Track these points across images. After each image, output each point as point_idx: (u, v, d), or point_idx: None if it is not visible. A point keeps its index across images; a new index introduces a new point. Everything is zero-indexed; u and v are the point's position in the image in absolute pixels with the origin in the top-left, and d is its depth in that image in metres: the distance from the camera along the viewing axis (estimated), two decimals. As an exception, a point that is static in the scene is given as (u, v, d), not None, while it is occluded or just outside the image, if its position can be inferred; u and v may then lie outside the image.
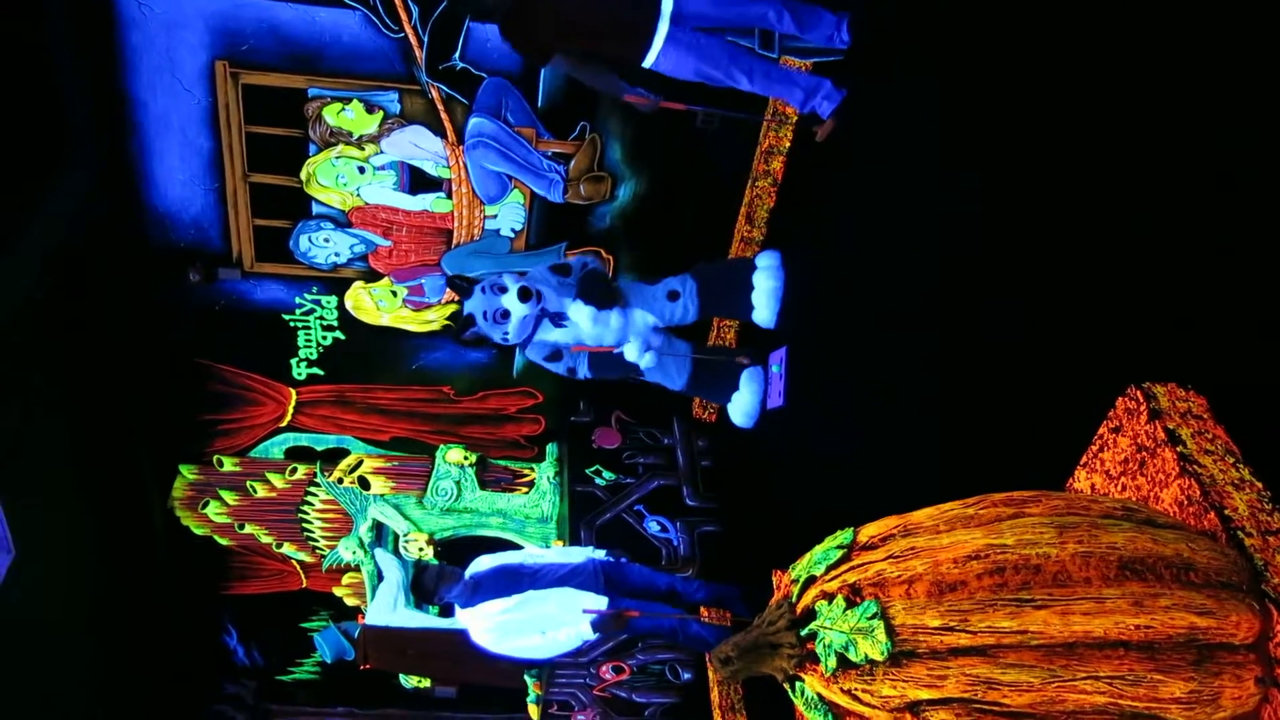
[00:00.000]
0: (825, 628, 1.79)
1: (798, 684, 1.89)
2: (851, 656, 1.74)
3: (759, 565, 5.07)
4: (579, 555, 4.93)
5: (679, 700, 6.07)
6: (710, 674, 5.74)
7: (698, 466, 6.22)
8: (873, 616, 1.72)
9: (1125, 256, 2.54)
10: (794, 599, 1.94)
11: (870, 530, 1.90)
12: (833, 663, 1.76)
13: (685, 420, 6.48)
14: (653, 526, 5.95)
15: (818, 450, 4.76)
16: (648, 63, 3.98)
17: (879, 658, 1.71)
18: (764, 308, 4.88)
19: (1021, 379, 3.01)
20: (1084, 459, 2.40)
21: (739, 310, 4.99)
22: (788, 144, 5.09)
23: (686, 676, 6.00)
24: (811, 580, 1.91)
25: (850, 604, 1.78)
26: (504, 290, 4.64)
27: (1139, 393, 2.23)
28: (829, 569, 1.89)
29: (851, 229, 4.48)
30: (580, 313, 4.68)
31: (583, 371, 4.92)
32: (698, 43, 3.95)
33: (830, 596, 1.82)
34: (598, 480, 6.11)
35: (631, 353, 4.75)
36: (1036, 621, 1.62)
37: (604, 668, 6.06)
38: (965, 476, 3.30)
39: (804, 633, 1.85)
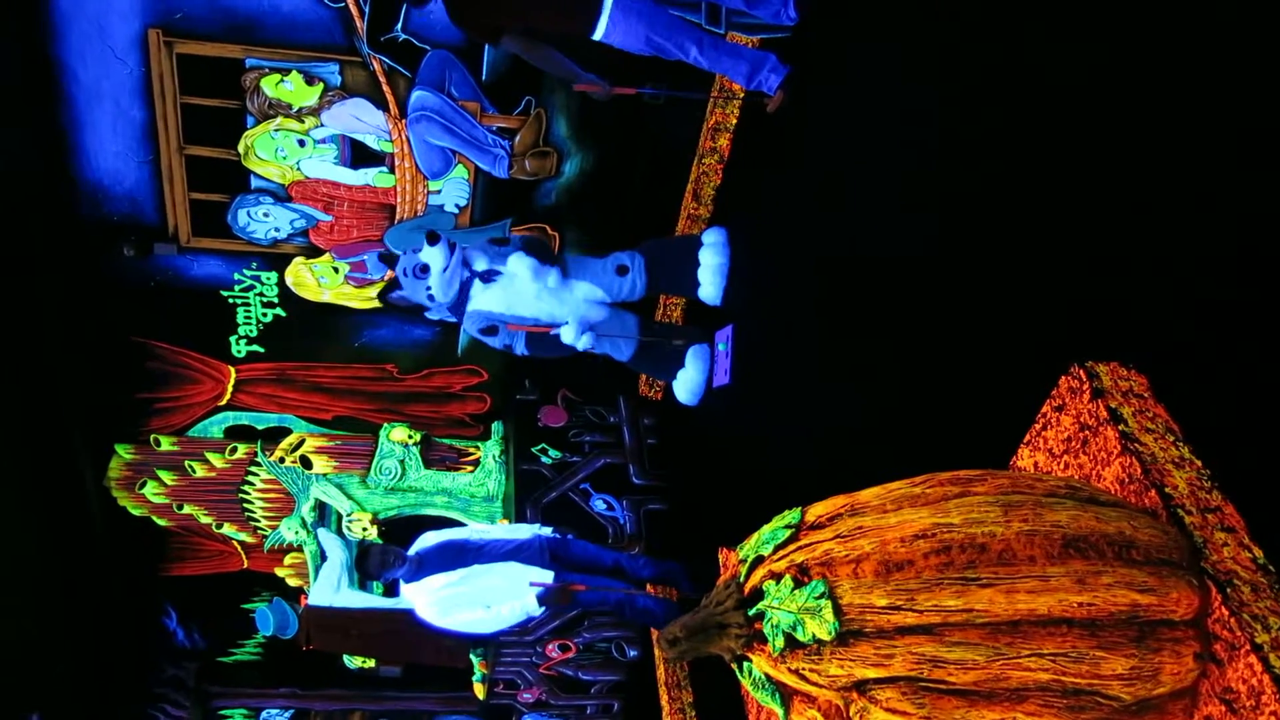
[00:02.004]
0: (773, 608, 1.79)
1: (745, 664, 1.89)
2: (799, 636, 1.75)
3: (705, 543, 5.11)
4: (525, 531, 4.91)
5: (625, 678, 6.10)
6: (656, 652, 5.76)
7: (644, 444, 6.20)
8: (820, 596, 1.73)
9: (1068, 236, 2.57)
10: (741, 579, 1.94)
11: (818, 510, 1.90)
12: (780, 642, 1.77)
13: (632, 398, 6.45)
14: (599, 505, 5.94)
15: (764, 428, 4.77)
16: (598, 35, 3.94)
17: (826, 637, 1.71)
18: (710, 284, 4.87)
19: (966, 357, 3.04)
20: (1027, 437, 2.44)
21: (686, 287, 4.97)
22: (734, 121, 5.07)
23: (633, 654, 6.03)
24: (759, 560, 1.92)
25: (798, 584, 1.78)
26: (419, 250, 4.56)
27: (1082, 371, 2.26)
28: (776, 549, 1.89)
29: (798, 206, 4.46)
30: (520, 264, 4.57)
31: (519, 349, 4.83)
32: (647, 10, 3.92)
33: (778, 576, 1.82)
34: (543, 459, 6.07)
35: (568, 335, 4.67)
36: (982, 600, 1.64)
37: (550, 646, 6.07)
38: (911, 455, 3.31)
39: (751, 613, 1.85)
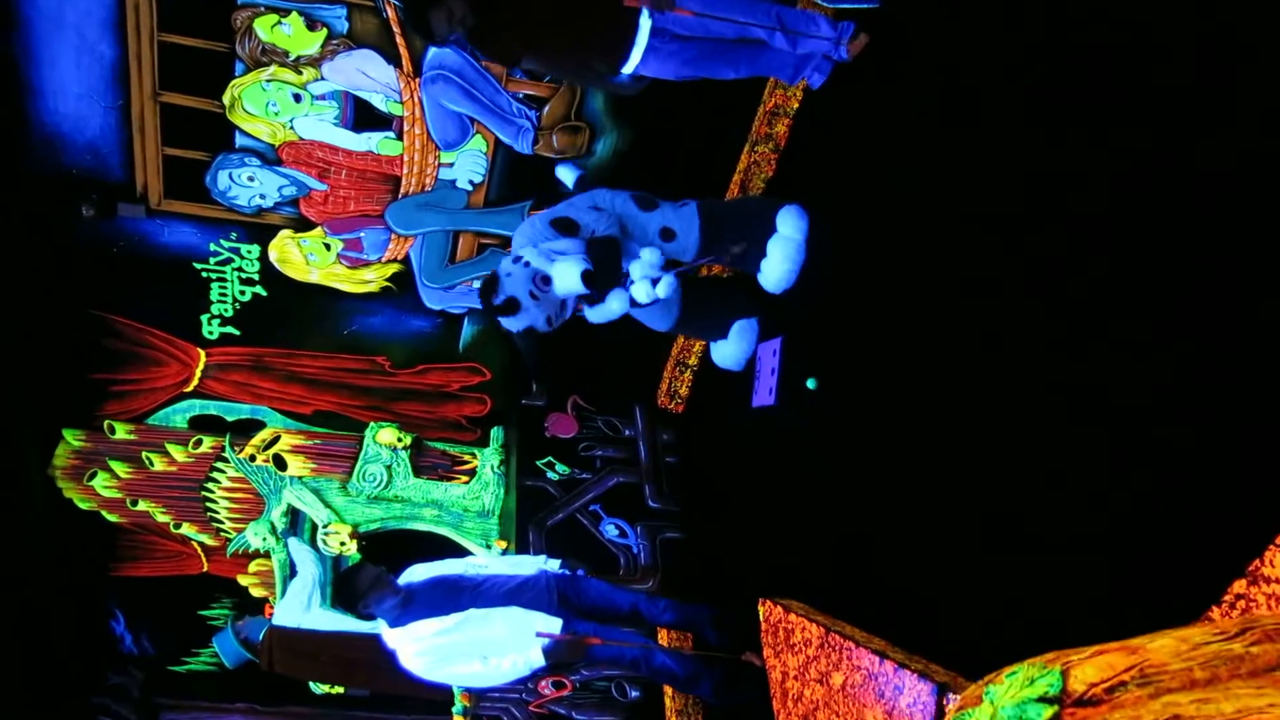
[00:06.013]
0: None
1: None
2: None
3: (729, 581, 4.62)
4: (529, 566, 4.33)
5: (626, 722, 5.50)
6: (664, 697, 5.16)
7: (662, 463, 5.64)
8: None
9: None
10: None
11: (1087, 673, 1.23)
12: None
13: (649, 409, 5.84)
14: (610, 530, 5.31)
15: (804, 458, 4.17)
16: (626, 71, 3.84)
17: None
18: (780, 261, 4.14)
19: (1138, 404, 2.40)
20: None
21: (747, 259, 4.26)
22: (796, 105, 4.46)
23: (634, 695, 5.46)
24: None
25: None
26: (550, 281, 3.88)
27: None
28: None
29: (866, 208, 3.94)
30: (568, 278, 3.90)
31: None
32: (681, 50, 3.80)
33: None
34: (549, 474, 5.45)
35: (640, 292, 3.99)
36: None
37: (543, 682, 5.45)
38: (1009, 519, 2.73)
39: None
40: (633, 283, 4.02)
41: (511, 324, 3.93)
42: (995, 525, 2.91)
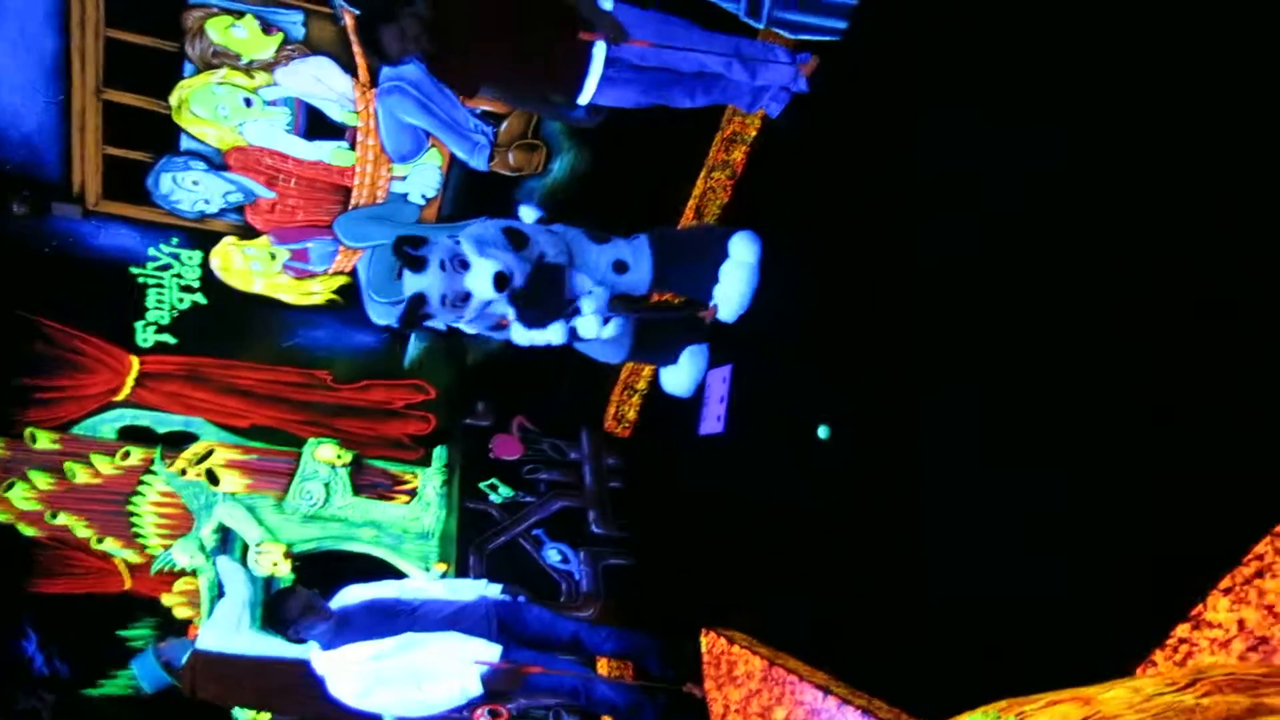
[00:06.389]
0: None
1: None
2: None
3: (673, 610, 4.53)
4: (469, 592, 4.24)
5: (563, 755, 5.38)
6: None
7: (607, 488, 5.55)
8: None
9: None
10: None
11: (1038, 722, 1.20)
12: None
13: (595, 433, 5.77)
14: (552, 556, 5.22)
15: (751, 486, 4.14)
16: (582, 101, 3.83)
17: None
18: (733, 285, 4.14)
19: (1082, 443, 2.40)
20: (1228, 582, 1.78)
21: (699, 286, 4.27)
22: (754, 132, 4.49)
23: (572, 726, 5.32)
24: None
25: None
26: (467, 266, 3.78)
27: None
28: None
29: (822, 238, 3.95)
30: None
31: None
32: (636, 79, 3.82)
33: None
34: (492, 496, 5.35)
35: (588, 327, 3.98)
36: None
37: (479, 711, 5.26)
38: (956, 556, 2.73)
39: None
40: (580, 315, 4.00)
41: (410, 281, 3.82)
42: (943, 562, 2.90)
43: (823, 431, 3.22)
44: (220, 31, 4.41)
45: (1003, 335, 2.80)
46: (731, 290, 4.16)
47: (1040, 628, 2.44)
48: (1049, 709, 1.22)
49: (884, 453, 3.26)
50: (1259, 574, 1.74)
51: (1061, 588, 2.41)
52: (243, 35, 4.41)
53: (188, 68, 4.56)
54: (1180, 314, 2.22)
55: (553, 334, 4.01)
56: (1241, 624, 1.75)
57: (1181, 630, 1.96)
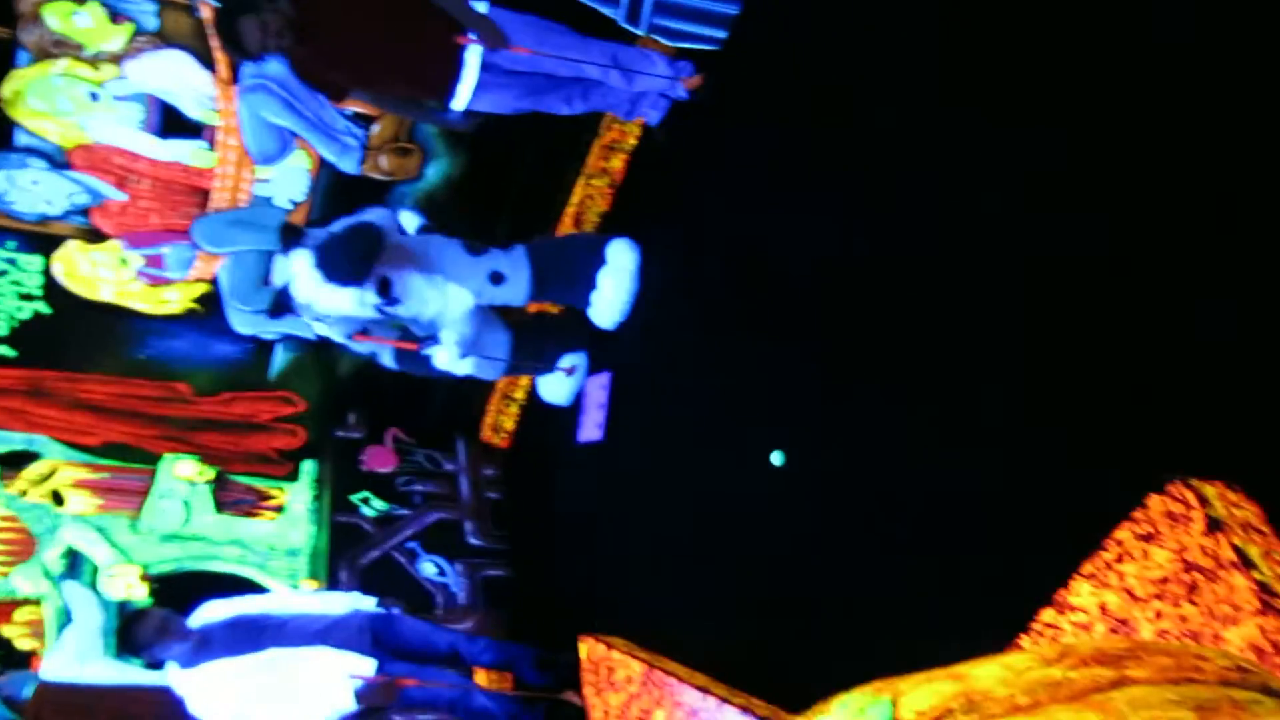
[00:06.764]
0: None
1: None
2: None
3: (553, 619, 4.49)
4: (341, 605, 4.11)
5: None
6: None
7: (484, 499, 5.47)
8: None
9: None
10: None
11: (916, 703, 1.21)
12: None
13: (472, 443, 5.67)
14: (427, 568, 5.11)
15: (631, 494, 4.15)
16: (456, 107, 3.77)
17: None
18: (612, 291, 4.13)
19: (949, 435, 2.48)
20: (1089, 568, 1.85)
21: (577, 293, 4.25)
22: (633, 141, 4.49)
23: (453, 744, 5.19)
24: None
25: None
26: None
27: (1188, 492, 1.69)
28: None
29: (700, 246, 3.99)
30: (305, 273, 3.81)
31: (388, 362, 4.22)
32: (512, 84, 3.78)
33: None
34: (365, 509, 5.21)
35: (445, 358, 3.91)
36: None
37: (352, 729, 5.13)
38: (826, 553, 2.79)
39: None
40: (436, 344, 4.00)
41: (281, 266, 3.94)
42: (812, 558, 2.95)
43: (776, 458, 3.18)
44: (61, 18, 4.14)
45: (877, 331, 2.87)
46: (610, 297, 4.16)
47: (909, 618, 2.50)
48: (923, 686, 1.23)
49: (755, 454, 3.29)
50: (1119, 559, 1.81)
51: (931, 579, 2.48)
52: (87, 24, 4.15)
53: (22, 56, 4.27)
54: (1035, 311, 2.31)
55: (344, 300, 3.84)
56: (1104, 607, 1.82)
57: (1047, 615, 2.03)
